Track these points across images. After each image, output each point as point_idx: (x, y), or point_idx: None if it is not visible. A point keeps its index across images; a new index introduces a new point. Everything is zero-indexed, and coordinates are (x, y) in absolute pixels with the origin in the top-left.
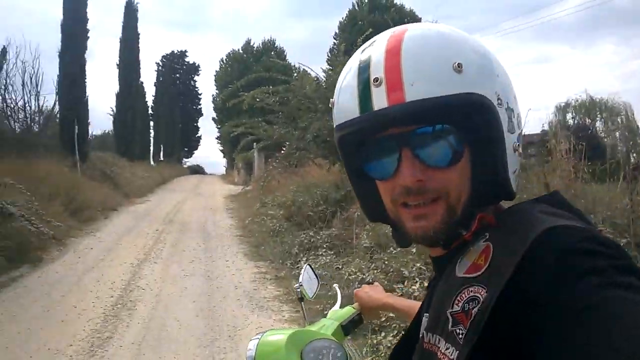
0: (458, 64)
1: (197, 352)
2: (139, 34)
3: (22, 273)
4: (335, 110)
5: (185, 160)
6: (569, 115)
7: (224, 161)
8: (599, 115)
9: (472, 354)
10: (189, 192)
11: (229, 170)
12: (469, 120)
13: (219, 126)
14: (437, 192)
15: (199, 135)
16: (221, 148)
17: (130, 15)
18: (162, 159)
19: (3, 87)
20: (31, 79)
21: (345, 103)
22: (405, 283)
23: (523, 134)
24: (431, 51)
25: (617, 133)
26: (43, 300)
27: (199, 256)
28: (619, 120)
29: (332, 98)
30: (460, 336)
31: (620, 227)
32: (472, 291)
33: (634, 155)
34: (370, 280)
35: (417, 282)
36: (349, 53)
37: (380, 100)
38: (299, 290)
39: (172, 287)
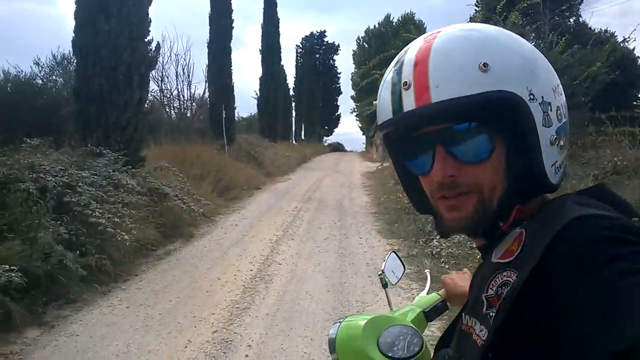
0: (484, 63)
1: (325, 325)
2: (278, 19)
3: (176, 247)
4: (377, 110)
5: (325, 138)
6: None
7: (362, 138)
8: None
9: (499, 335)
10: (328, 170)
11: (368, 147)
12: (497, 116)
13: (357, 103)
14: (469, 186)
15: (338, 113)
16: (360, 125)
17: (270, 1)
18: (303, 138)
19: (160, 78)
20: (183, 69)
21: (382, 104)
22: None
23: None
24: (457, 53)
25: None
26: (192, 272)
27: (334, 233)
28: None
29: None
30: (490, 313)
31: None
32: (504, 276)
33: None
34: None
35: None
36: (487, 22)
37: (409, 102)
38: (382, 277)
39: (306, 262)
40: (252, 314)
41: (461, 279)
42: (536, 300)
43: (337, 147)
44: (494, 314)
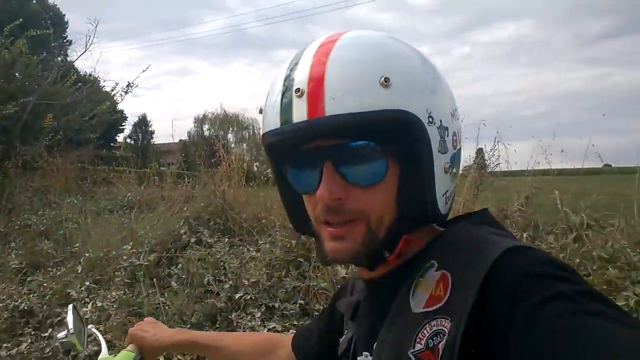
0: (385, 78)
1: None
2: None
3: None
4: (263, 115)
5: None
6: (205, 127)
7: None
8: (230, 128)
9: None
10: None
11: None
12: (393, 138)
13: None
14: (356, 212)
15: None
16: None
17: None
18: None
19: None
20: None
21: (269, 111)
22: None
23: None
24: (358, 63)
25: (245, 144)
26: None
27: None
28: (246, 133)
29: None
30: None
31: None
32: (434, 325)
33: (257, 164)
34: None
35: (88, 302)
36: None
37: (300, 112)
38: (65, 340)
39: None
40: None
41: (158, 329)
42: (477, 343)
43: None
44: None
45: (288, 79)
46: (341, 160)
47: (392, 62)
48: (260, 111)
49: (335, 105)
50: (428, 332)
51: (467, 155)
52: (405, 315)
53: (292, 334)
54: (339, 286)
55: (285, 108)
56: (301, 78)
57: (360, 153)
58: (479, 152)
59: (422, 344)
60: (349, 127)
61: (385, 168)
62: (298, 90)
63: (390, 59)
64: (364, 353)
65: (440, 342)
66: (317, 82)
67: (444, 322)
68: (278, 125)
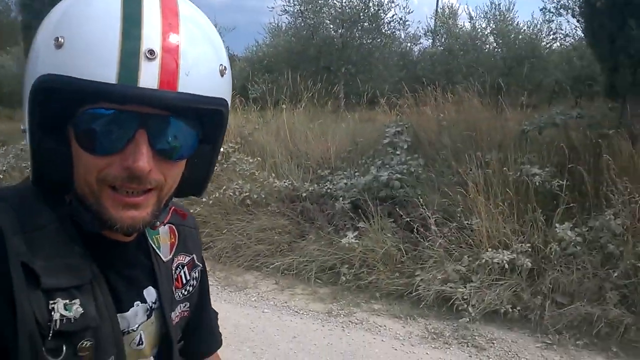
0: (224, 67)
1: None
2: None
3: None
4: (70, 55)
5: None
6: None
7: None
8: None
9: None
10: None
11: None
12: (212, 123)
13: None
14: (156, 183)
15: None
16: None
17: None
18: None
19: None
20: None
21: (96, 56)
22: None
23: None
24: (205, 43)
25: None
26: None
27: None
28: None
29: (60, 33)
30: (190, 288)
31: None
32: (177, 261)
33: None
34: None
35: None
36: None
37: (150, 78)
38: None
39: None
40: None
41: None
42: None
43: None
44: (191, 286)
45: (130, 27)
46: (158, 133)
47: (223, 51)
48: (57, 44)
49: (187, 82)
50: (175, 266)
51: None
52: (164, 265)
53: None
54: None
55: (130, 66)
56: (152, 38)
57: (181, 130)
58: None
59: (185, 277)
60: (191, 108)
61: (196, 148)
62: (151, 52)
63: (222, 47)
64: (134, 304)
65: (182, 270)
66: (172, 52)
67: (181, 258)
68: (112, 80)
